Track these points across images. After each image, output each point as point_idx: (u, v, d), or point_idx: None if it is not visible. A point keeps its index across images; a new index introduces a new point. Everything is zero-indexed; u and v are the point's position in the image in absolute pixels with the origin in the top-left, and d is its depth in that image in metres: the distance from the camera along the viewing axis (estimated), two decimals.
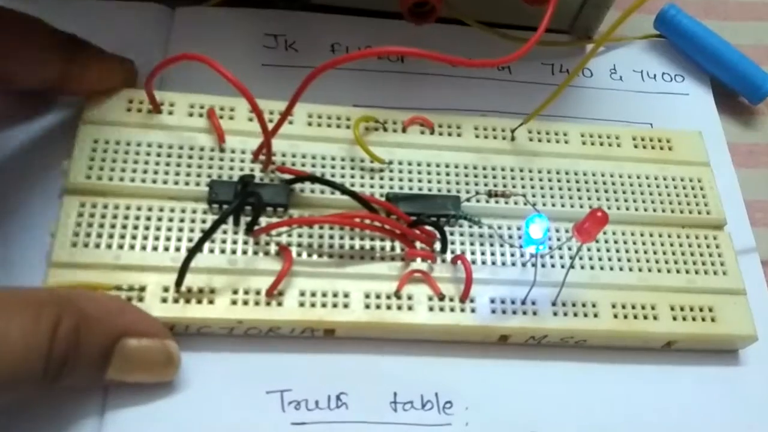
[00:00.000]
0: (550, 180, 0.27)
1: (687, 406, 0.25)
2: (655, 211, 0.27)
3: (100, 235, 0.23)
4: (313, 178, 0.25)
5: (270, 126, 0.24)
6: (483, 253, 0.25)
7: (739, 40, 0.34)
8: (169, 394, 0.23)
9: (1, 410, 0.22)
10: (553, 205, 0.26)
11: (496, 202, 0.26)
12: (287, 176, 0.25)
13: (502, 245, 0.25)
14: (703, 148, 0.29)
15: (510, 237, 0.25)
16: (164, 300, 0.22)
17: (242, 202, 0.24)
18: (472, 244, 0.25)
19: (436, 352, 0.24)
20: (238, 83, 0.23)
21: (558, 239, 0.26)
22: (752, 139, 0.33)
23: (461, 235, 0.25)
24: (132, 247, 0.23)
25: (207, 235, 0.22)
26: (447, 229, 0.25)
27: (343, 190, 0.24)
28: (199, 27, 0.30)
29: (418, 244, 0.24)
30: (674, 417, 0.25)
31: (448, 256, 0.25)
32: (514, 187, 0.26)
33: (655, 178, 0.27)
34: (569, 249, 0.25)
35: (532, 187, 0.26)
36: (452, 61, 0.23)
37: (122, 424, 0.22)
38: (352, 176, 0.26)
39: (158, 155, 0.25)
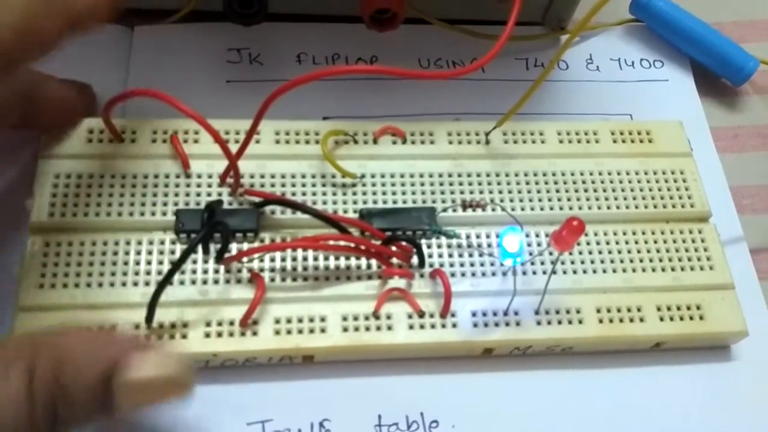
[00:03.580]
0: (527, 183, 0.26)
1: (680, 406, 0.24)
2: (637, 207, 0.26)
3: (66, 275, 0.22)
4: (283, 202, 0.24)
5: (237, 146, 0.24)
6: (462, 265, 0.24)
7: (719, 17, 0.34)
8: (148, 428, 0.22)
9: None
10: (532, 209, 0.25)
11: (473, 210, 0.25)
12: (257, 199, 0.24)
13: (481, 255, 0.25)
14: (684, 138, 0.28)
15: (489, 246, 0.25)
16: None
17: (208, 232, 0.23)
18: (450, 255, 0.24)
19: (420, 369, 0.24)
20: (192, 113, 0.22)
21: (538, 244, 0.25)
22: (736, 122, 0.32)
23: (439, 247, 0.24)
24: (100, 284, 0.22)
25: (174, 268, 0.21)
26: (423, 242, 0.24)
27: (314, 213, 0.23)
28: (159, 45, 0.29)
29: (394, 261, 0.24)
30: (667, 418, 0.24)
31: (426, 270, 0.24)
32: (491, 192, 0.26)
33: (636, 173, 0.27)
34: (550, 254, 0.25)
35: (509, 192, 0.26)
36: (421, 75, 0.23)
37: None
38: (324, 193, 0.25)
39: (122, 186, 0.24)
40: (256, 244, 0.24)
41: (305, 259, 0.24)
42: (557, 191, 0.26)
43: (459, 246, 0.25)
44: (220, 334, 0.22)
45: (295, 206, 0.24)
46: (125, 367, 0.19)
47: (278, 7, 0.28)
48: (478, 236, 0.25)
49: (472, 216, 0.25)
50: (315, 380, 0.23)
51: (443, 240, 0.25)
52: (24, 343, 0.19)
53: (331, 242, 0.23)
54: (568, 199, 0.26)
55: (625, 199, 0.26)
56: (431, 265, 0.24)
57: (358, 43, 0.30)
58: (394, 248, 0.24)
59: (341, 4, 0.29)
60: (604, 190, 0.26)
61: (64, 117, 0.25)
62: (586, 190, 0.26)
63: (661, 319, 0.24)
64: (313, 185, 0.25)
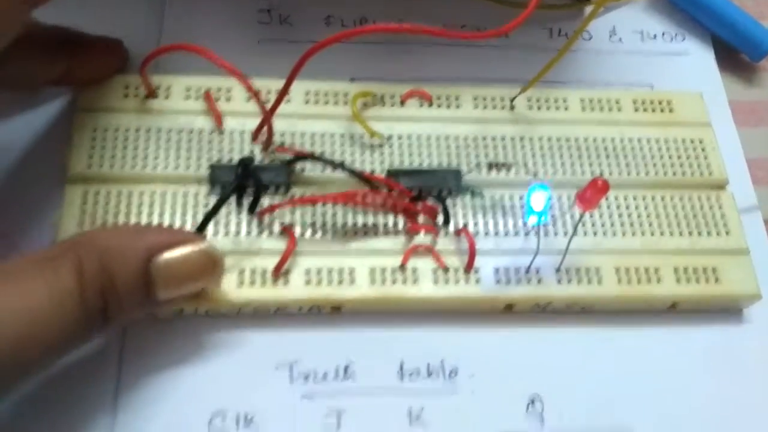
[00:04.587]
0: (550, 148, 0.27)
1: (693, 367, 0.25)
2: (656, 174, 0.27)
3: (104, 223, 0.23)
4: (313, 157, 0.25)
5: (267, 106, 0.24)
6: (486, 224, 0.25)
7: None
8: (180, 372, 0.23)
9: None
10: (554, 173, 0.26)
11: (498, 172, 0.26)
12: (287, 156, 0.25)
13: (504, 215, 0.25)
14: (704, 108, 0.28)
15: (512, 207, 0.25)
16: None
17: (241, 183, 0.24)
18: (474, 215, 0.25)
19: (442, 323, 0.25)
20: (233, 68, 0.23)
21: (560, 207, 0.26)
22: (754, 96, 0.32)
23: (464, 207, 0.25)
24: None
25: (209, 216, 0.22)
26: (449, 202, 0.25)
27: (344, 168, 0.24)
28: (192, 7, 0.30)
29: (421, 219, 0.25)
30: (680, 378, 0.25)
31: (451, 228, 0.25)
32: (514, 156, 0.26)
33: (657, 141, 0.27)
34: (572, 217, 0.25)
35: (533, 156, 0.26)
36: (447, 34, 0.23)
37: (135, 405, 0.22)
38: (352, 153, 0.26)
39: (157, 140, 0.25)
40: (288, 199, 0.25)
41: (334, 214, 0.24)
42: (579, 156, 0.27)
43: (483, 207, 0.25)
44: (253, 283, 0.23)
45: (327, 162, 0.24)
46: (162, 250, 0.20)
47: None
48: (501, 197, 0.26)
49: (496, 178, 0.26)
50: (342, 329, 0.24)
51: (468, 200, 0.25)
52: (68, 244, 0.20)
53: (361, 198, 0.24)
54: (590, 164, 0.27)
55: (645, 165, 0.27)
56: (456, 224, 0.25)
57: (385, 8, 0.30)
58: (420, 206, 0.25)
59: None
60: (625, 157, 0.27)
61: (98, 73, 0.26)
62: (607, 156, 0.27)
63: (678, 281, 0.25)
64: (342, 144, 0.26)
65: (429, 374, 0.24)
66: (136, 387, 0.23)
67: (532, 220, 0.23)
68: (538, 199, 0.22)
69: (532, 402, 0.24)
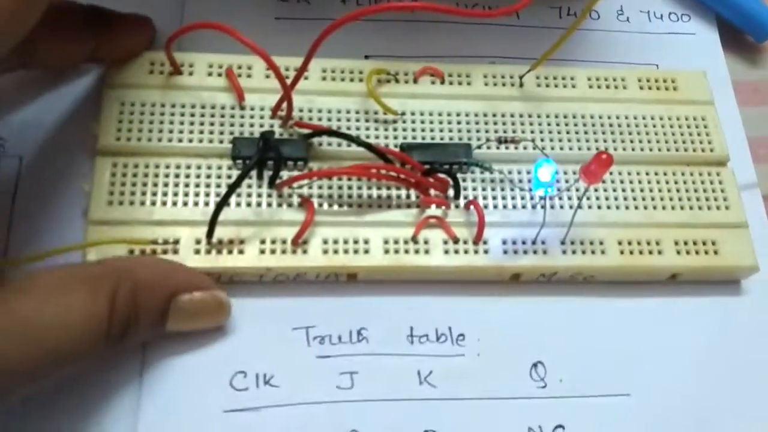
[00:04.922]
0: (558, 124, 0.28)
1: (692, 336, 0.26)
2: (660, 150, 0.28)
3: (133, 193, 0.25)
4: (330, 132, 0.26)
5: (287, 81, 0.26)
6: (495, 198, 0.26)
7: None
8: (205, 337, 0.24)
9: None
10: (561, 148, 0.27)
11: (507, 148, 0.27)
12: (305, 131, 0.26)
13: (512, 189, 0.26)
14: (707, 87, 0.29)
15: (520, 181, 0.27)
16: (197, 252, 0.24)
17: (263, 156, 0.25)
18: (484, 189, 0.26)
19: (451, 291, 0.26)
20: (256, 46, 0.24)
21: (566, 181, 0.27)
22: (757, 77, 0.33)
23: (473, 181, 0.26)
24: (164, 203, 0.24)
25: (232, 188, 0.24)
26: (459, 176, 0.26)
27: (359, 143, 0.25)
28: None
29: (432, 192, 0.26)
30: (680, 347, 0.26)
31: (461, 201, 0.26)
32: (523, 132, 0.27)
33: (660, 118, 0.28)
34: (577, 190, 0.27)
35: (541, 132, 0.27)
36: (459, 12, 0.24)
37: (163, 367, 0.24)
38: (367, 128, 0.27)
39: (182, 115, 0.26)
40: (306, 172, 0.26)
41: (350, 187, 0.26)
42: (586, 132, 0.28)
43: (492, 180, 0.27)
44: (273, 251, 0.24)
45: (343, 136, 0.25)
46: (183, 292, 0.23)
47: None
48: (510, 172, 0.27)
49: (505, 153, 0.27)
50: (355, 297, 0.25)
51: (477, 175, 0.27)
52: (109, 267, 0.22)
53: (375, 171, 0.25)
54: (596, 140, 0.28)
55: (649, 141, 0.28)
56: (466, 197, 0.26)
57: None
58: (432, 179, 0.26)
59: None
60: (630, 133, 0.28)
61: (127, 50, 0.27)
62: (612, 133, 0.28)
63: (678, 252, 0.26)
64: (357, 120, 0.27)
65: (437, 338, 0.25)
66: (162, 347, 0.24)
67: (539, 193, 0.25)
68: (544, 172, 0.23)
69: (535, 366, 0.25)
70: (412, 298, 0.26)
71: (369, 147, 0.25)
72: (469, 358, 0.25)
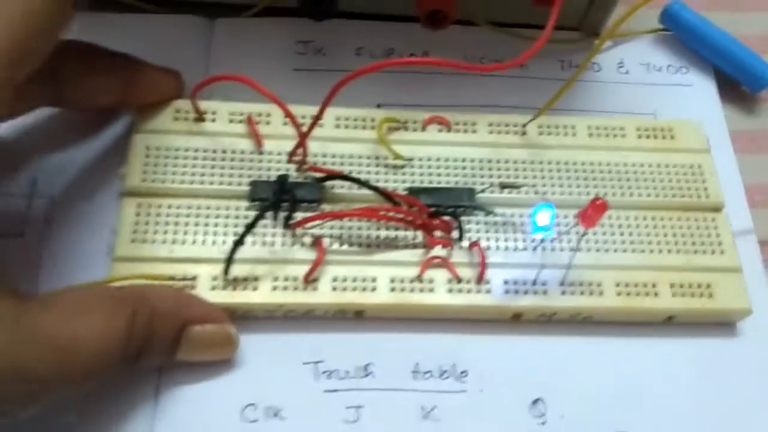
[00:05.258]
0: (558, 171, 0.29)
1: (687, 377, 0.27)
2: (657, 196, 0.29)
3: (155, 232, 0.26)
4: (342, 176, 0.27)
5: (303, 129, 0.27)
6: (497, 239, 0.27)
7: (746, 30, 0.36)
8: (218, 369, 0.26)
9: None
10: (561, 194, 0.29)
11: (509, 192, 0.28)
12: (319, 175, 0.28)
13: (514, 232, 0.28)
14: (703, 135, 0.31)
15: (522, 224, 0.28)
16: (214, 288, 0.25)
17: (279, 199, 0.27)
18: (487, 231, 0.28)
19: (455, 329, 0.27)
20: (273, 96, 0.26)
21: (566, 225, 0.28)
22: (754, 126, 0.35)
23: (477, 223, 0.28)
24: (184, 242, 0.26)
25: (249, 228, 0.25)
26: (463, 218, 0.28)
27: (368, 186, 0.27)
28: (237, 37, 0.33)
29: (437, 233, 0.27)
30: (675, 387, 0.27)
31: (465, 243, 0.27)
32: (525, 178, 0.29)
33: (658, 166, 0.30)
34: (576, 233, 0.28)
35: (542, 178, 0.29)
36: (464, 67, 0.26)
37: (177, 394, 0.25)
38: (377, 172, 0.28)
39: (204, 159, 0.28)
40: (318, 213, 0.27)
41: (360, 228, 0.27)
42: (585, 179, 0.29)
43: (495, 223, 0.28)
44: (285, 288, 0.26)
45: (354, 180, 0.27)
46: (196, 323, 0.24)
47: (344, 5, 0.32)
48: (512, 215, 0.28)
49: (507, 197, 0.28)
50: (362, 333, 0.27)
51: (481, 218, 0.28)
52: (129, 293, 0.24)
53: (383, 213, 0.26)
54: (595, 187, 0.29)
55: (646, 188, 0.29)
56: (469, 239, 0.27)
57: (411, 41, 0.33)
58: (437, 221, 0.27)
59: (398, 4, 0.33)
60: (628, 180, 0.29)
61: (155, 98, 0.29)
62: (611, 179, 0.29)
63: (674, 295, 0.27)
64: (368, 165, 0.29)
65: (441, 375, 0.27)
66: (177, 375, 0.25)
67: (538, 236, 0.26)
68: (542, 217, 0.25)
69: (536, 402, 0.26)
70: (417, 334, 0.27)
71: (377, 190, 0.27)
72: (471, 394, 0.26)
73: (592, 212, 0.24)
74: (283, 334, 0.26)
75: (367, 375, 0.26)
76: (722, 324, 0.28)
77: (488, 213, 0.28)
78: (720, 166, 0.30)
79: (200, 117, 0.29)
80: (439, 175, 0.29)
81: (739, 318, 0.28)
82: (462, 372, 0.27)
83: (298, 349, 0.26)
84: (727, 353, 0.28)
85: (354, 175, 0.28)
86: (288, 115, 0.26)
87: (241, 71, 0.27)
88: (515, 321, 0.27)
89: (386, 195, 0.27)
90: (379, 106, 0.31)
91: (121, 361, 0.22)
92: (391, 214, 0.26)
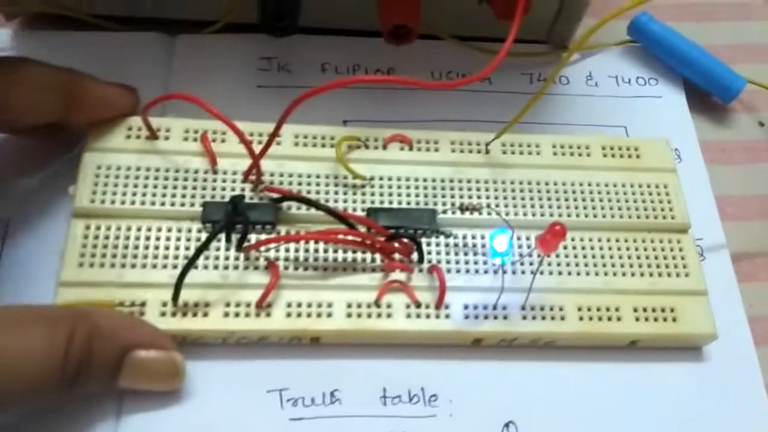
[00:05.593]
0: (522, 190, 0.28)
1: (653, 402, 0.26)
2: (621, 217, 0.28)
3: (104, 255, 0.25)
4: (298, 198, 0.26)
5: (260, 147, 0.26)
6: (457, 262, 0.27)
7: (713, 40, 0.36)
8: (178, 399, 0.25)
9: (22, 414, 0.24)
10: (525, 214, 0.28)
11: (471, 213, 0.27)
12: (275, 195, 0.27)
13: (475, 254, 0.27)
14: (670, 154, 0.30)
15: (483, 246, 0.27)
16: (163, 314, 0.25)
17: (230, 221, 0.26)
18: (447, 253, 0.27)
19: (422, 353, 0.26)
20: (224, 117, 0.25)
21: (528, 247, 0.27)
22: (724, 136, 0.34)
23: (437, 245, 0.27)
24: (133, 265, 0.25)
25: (198, 253, 0.24)
26: (423, 240, 0.27)
27: (324, 209, 0.26)
28: (198, 53, 0.32)
29: (396, 256, 0.26)
30: (640, 412, 0.26)
31: (425, 265, 0.27)
32: (487, 198, 0.28)
33: (623, 186, 0.29)
34: (538, 256, 0.27)
35: (504, 198, 0.28)
36: (425, 85, 0.25)
37: (140, 424, 0.24)
38: (336, 192, 0.28)
39: (156, 178, 0.27)
40: (273, 236, 0.27)
41: (316, 250, 0.26)
42: (549, 199, 0.28)
43: (455, 245, 0.27)
44: (237, 314, 0.25)
45: (309, 203, 0.26)
46: (140, 348, 0.23)
47: (305, 21, 0.32)
48: (473, 237, 0.27)
49: (468, 218, 0.28)
50: (327, 358, 0.26)
51: (441, 239, 0.27)
52: (69, 310, 0.23)
53: (340, 236, 0.26)
54: (558, 207, 0.28)
55: (611, 209, 0.28)
56: (429, 261, 0.27)
57: (377, 56, 0.33)
58: (396, 244, 0.26)
59: (362, 19, 0.32)
60: (592, 200, 0.29)
61: (106, 115, 0.28)
62: (575, 199, 0.28)
63: (637, 319, 0.26)
64: (327, 185, 0.28)
65: (410, 399, 0.26)
66: (139, 405, 0.24)
67: (497, 261, 0.25)
68: (500, 242, 0.24)
69: (507, 426, 0.26)
70: (384, 358, 0.26)
71: (333, 213, 0.26)
72: (441, 418, 0.26)
73: (551, 238, 0.23)
74: (245, 361, 0.26)
75: (333, 402, 0.25)
76: (688, 348, 0.27)
77: (448, 235, 0.27)
78: (691, 178, 0.30)
79: (153, 135, 0.28)
80: (399, 195, 0.28)
81: (705, 342, 0.27)
82: (431, 396, 0.26)
83: (260, 376, 0.26)
84: (694, 378, 0.27)
85: (312, 195, 0.27)
86: (240, 136, 0.25)
87: (203, 88, 0.27)
88: (476, 345, 0.27)
89: (342, 218, 0.26)
90: (345, 122, 0.31)
91: (60, 381, 0.21)
92: (348, 238, 0.26)
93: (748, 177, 0.33)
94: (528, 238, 0.27)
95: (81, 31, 0.32)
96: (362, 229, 0.26)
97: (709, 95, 0.35)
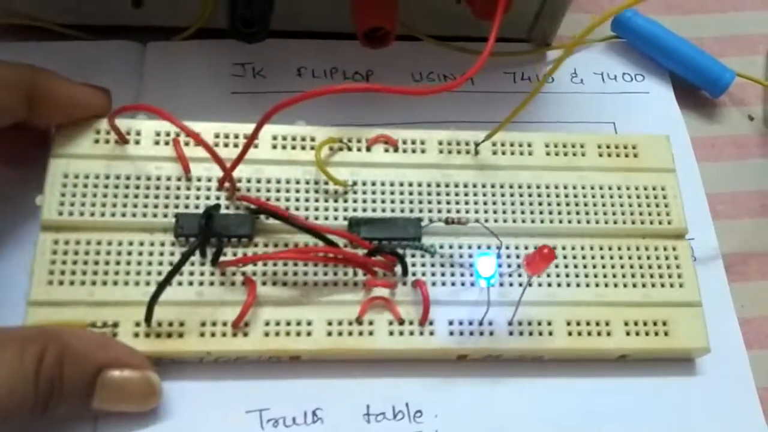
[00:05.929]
0: (512, 195, 0.27)
1: (644, 416, 0.26)
2: (615, 223, 0.27)
3: (74, 272, 0.24)
4: (275, 214, 0.25)
5: (237, 150, 0.25)
6: (443, 274, 0.26)
7: (700, 33, 0.35)
8: (155, 420, 0.24)
9: None
10: (514, 221, 0.27)
11: (457, 226, 0.26)
12: (252, 205, 0.26)
13: (461, 266, 0.26)
14: (670, 153, 0.29)
15: (470, 256, 0.26)
16: (136, 334, 0.24)
17: (204, 240, 0.24)
18: (432, 265, 0.26)
19: (405, 368, 0.25)
20: (193, 133, 0.24)
21: (517, 256, 0.26)
22: (714, 132, 0.33)
23: (422, 256, 0.26)
24: (104, 282, 0.24)
25: (171, 275, 0.23)
26: (408, 251, 0.26)
27: (303, 228, 0.24)
28: (170, 61, 0.31)
29: (378, 271, 0.25)
30: (632, 427, 0.26)
31: (410, 278, 0.25)
32: (476, 203, 0.27)
33: (618, 188, 0.28)
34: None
35: (494, 203, 0.27)
36: (403, 91, 0.24)
37: None
38: (317, 199, 0.26)
39: (126, 187, 0.26)
40: (251, 249, 0.25)
41: (296, 264, 0.25)
42: (540, 204, 0.27)
43: (441, 255, 0.26)
44: (213, 334, 0.24)
45: (286, 220, 0.25)
46: (113, 368, 0.22)
47: (280, 24, 0.29)
48: (460, 246, 0.26)
49: (455, 228, 0.26)
50: (308, 376, 0.25)
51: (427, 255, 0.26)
52: (40, 330, 0.22)
53: (320, 254, 0.25)
54: (550, 212, 0.27)
55: (605, 214, 0.27)
56: (414, 274, 0.26)
57: (355, 58, 0.32)
58: (379, 257, 0.25)
59: (338, 21, 0.30)
60: (585, 205, 0.27)
61: (73, 116, 0.26)
62: (567, 204, 0.27)
63: (627, 334, 0.25)
64: (307, 191, 0.26)
65: (395, 416, 0.25)
66: (115, 426, 0.24)
67: (482, 284, 0.24)
68: (485, 265, 0.23)
69: None
70: (366, 375, 0.25)
71: (311, 231, 0.24)
72: None
73: (539, 260, 0.22)
74: (223, 380, 0.25)
75: (315, 421, 0.25)
76: (681, 360, 0.27)
77: (432, 253, 0.26)
78: (681, 175, 0.29)
79: (123, 139, 0.26)
80: (383, 201, 0.27)
81: (697, 355, 0.26)
82: (416, 412, 0.25)
83: (240, 395, 0.25)
84: (686, 391, 0.26)
85: (291, 202, 0.26)
86: (206, 148, 0.24)
87: (176, 96, 0.26)
88: (462, 360, 0.26)
89: (322, 236, 0.24)
90: (324, 125, 0.29)
91: (32, 405, 0.21)
92: (328, 255, 0.25)
93: (738, 173, 0.32)
94: (517, 247, 0.26)
95: (49, 41, 0.31)
96: (344, 242, 0.25)
97: (697, 89, 0.33)
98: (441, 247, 0.26)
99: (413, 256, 0.26)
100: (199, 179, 0.26)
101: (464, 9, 0.28)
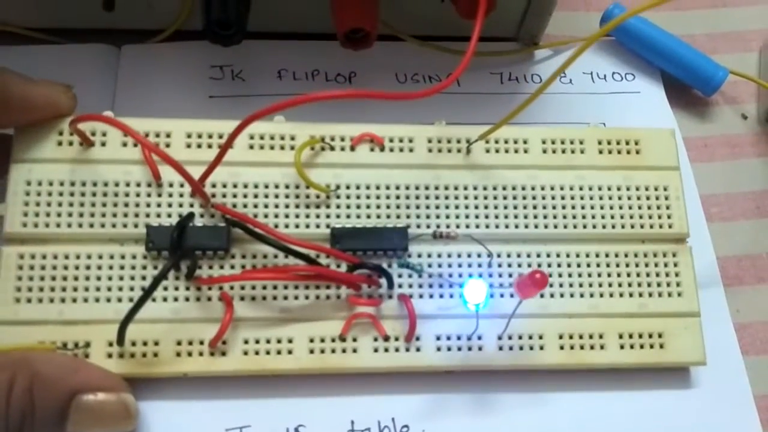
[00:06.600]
0: (505, 198, 0.25)
1: (638, 428, 0.25)
2: (614, 227, 0.26)
3: (41, 289, 0.23)
4: (251, 230, 0.23)
5: (212, 151, 0.23)
6: (431, 286, 0.24)
7: (692, 30, 0.33)
8: None
9: None
10: (507, 226, 0.25)
11: (443, 237, 0.25)
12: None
13: (450, 275, 0.24)
14: (674, 148, 0.27)
15: (459, 266, 0.24)
16: (109, 355, 0.23)
17: (177, 261, 0.23)
18: (420, 276, 0.24)
19: (390, 383, 0.24)
20: (160, 152, 0.22)
21: (509, 265, 0.25)
22: (707, 132, 0.31)
23: (410, 276, 0.24)
24: (74, 299, 0.23)
25: (143, 299, 0.22)
26: (395, 262, 0.24)
27: (280, 248, 0.23)
28: (145, 64, 0.29)
29: (362, 286, 0.24)
30: None
31: (396, 291, 0.24)
32: (467, 207, 0.25)
33: (618, 189, 0.26)
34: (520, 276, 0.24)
35: (486, 207, 0.25)
36: (383, 96, 0.22)
37: None
38: (297, 206, 0.25)
39: (93, 195, 0.24)
40: (227, 260, 0.24)
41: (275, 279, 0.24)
42: (534, 207, 0.26)
43: (429, 265, 0.25)
44: (190, 353, 0.23)
45: (262, 239, 0.23)
46: (86, 392, 0.21)
47: (258, 25, 0.28)
48: (449, 255, 0.25)
49: (442, 246, 0.25)
50: (289, 394, 0.24)
51: (414, 260, 0.25)
52: (8, 357, 0.21)
53: (301, 273, 0.23)
54: (545, 217, 0.25)
55: (603, 217, 0.26)
56: (400, 286, 0.24)
57: (337, 60, 0.30)
58: (361, 275, 0.24)
59: (318, 22, 0.28)
60: (583, 208, 0.26)
61: (34, 117, 0.24)
62: (564, 207, 0.26)
63: (622, 347, 0.25)
64: (287, 196, 0.25)
65: (381, 431, 0.24)
66: None
67: (471, 308, 0.23)
68: (473, 292, 0.22)
69: None
70: (350, 390, 0.24)
71: (289, 250, 0.23)
72: None
73: (530, 285, 0.21)
74: (202, 400, 0.24)
75: None
76: (676, 371, 0.26)
77: (418, 271, 0.24)
78: None
79: (88, 142, 0.24)
80: (368, 206, 0.25)
81: (693, 366, 0.25)
82: (403, 427, 0.24)
83: (219, 414, 0.24)
84: (681, 402, 0.25)
85: (270, 210, 0.25)
86: (172, 164, 0.22)
87: (152, 100, 0.25)
88: (450, 373, 0.25)
89: (301, 255, 0.23)
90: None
91: None
92: (309, 274, 0.23)
93: (732, 174, 0.31)
94: (509, 255, 0.25)
95: (20, 44, 0.29)
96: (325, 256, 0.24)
97: (689, 88, 0.32)
98: (429, 255, 0.24)
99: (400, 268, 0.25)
100: (171, 184, 0.24)
101: (448, 9, 0.26)
